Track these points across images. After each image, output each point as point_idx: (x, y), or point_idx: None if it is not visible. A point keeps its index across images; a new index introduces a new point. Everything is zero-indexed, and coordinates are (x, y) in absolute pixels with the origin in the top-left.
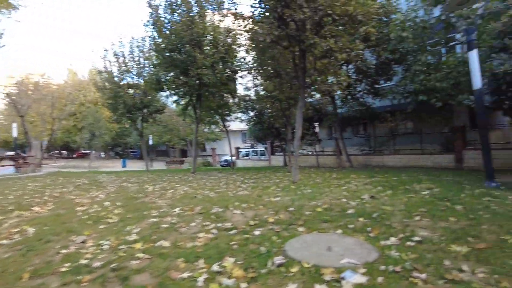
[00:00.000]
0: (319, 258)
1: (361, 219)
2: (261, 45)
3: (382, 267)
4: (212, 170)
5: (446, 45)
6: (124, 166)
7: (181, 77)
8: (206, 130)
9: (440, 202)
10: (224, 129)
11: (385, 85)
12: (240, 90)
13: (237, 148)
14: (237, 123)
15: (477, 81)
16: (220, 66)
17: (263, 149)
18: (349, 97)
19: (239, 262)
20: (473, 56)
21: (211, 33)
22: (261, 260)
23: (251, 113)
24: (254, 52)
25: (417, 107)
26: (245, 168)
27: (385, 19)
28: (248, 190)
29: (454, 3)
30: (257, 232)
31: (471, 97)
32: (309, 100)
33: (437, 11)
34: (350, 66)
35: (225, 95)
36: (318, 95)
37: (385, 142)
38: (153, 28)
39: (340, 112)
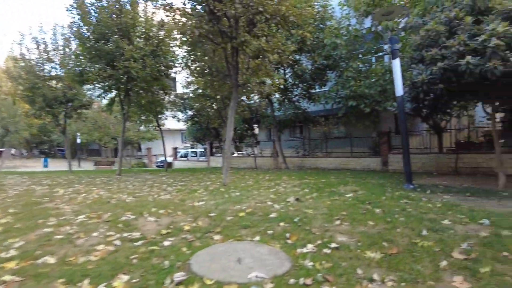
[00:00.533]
0: (225, 273)
1: (282, 223)
2: (190, 40)
3: (292, 281)
4: (143, 172)
5: (375, 54)
6: (45, 166)
7: (107, 70)
8: (141, 128)
9: (361, 205)
10: (158, 128)
11: (320, 90)
12: (180, 88)
13: (175, 149)
14: (176, 122)
15: (399, 89)
16: (151, 60)
17: (202, 150)
18: (286, 100)
19: (134, 281)
20: (396, 65)
21: (143, 24)
22: (159, 277)
23: (190, 112)
24: (185, 47)
25: (348, 112)
26: (181, 169)
27: (321, 25)
28: (172, 194)
29: (380, 14)
30: (167, 243)
31: (395, 103)
32: (247, 101)
33: (368, 22)
34: (287, 70)
35: (157, 91)
36: (256, 97)
37: (318, 145)
38: (77, 14)
39: (278, 114)
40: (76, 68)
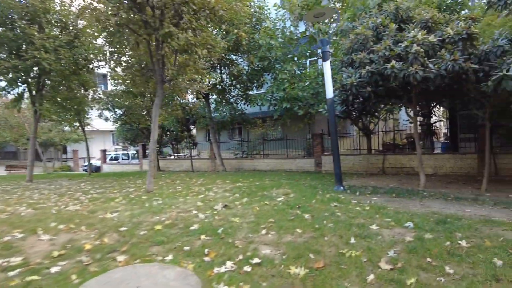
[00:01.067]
0: None
1: (203, 236)
2: (107, 29)
3: None
4: (62, 177)
5: (309, 58)
6: None
7: (11, 59)
8: (67, 129)
9: (291, 210)
10: (80, 128)
11: (257, 92)
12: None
13: (104, 151)
14: (106, 122)
15: (329, 91)
16: (67, 52)
17: (134, 153)
18: (223, 101)
19: None
20: (327, 67)
21: (57, 10)
22: None
23: (119, 112)
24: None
25: (283, 114)
26: (108, 174)
27: (258, 26)
28: (84, 203)
29: (311, 15)
30: (54, 269)
31: (326, 106)
32: (182, 100)
33: (303, 26)
34: (224, 70)
35: (78, 87)
36: (190, 96)
37: (256, 147)
38: None
39: (215, 115)
40: None
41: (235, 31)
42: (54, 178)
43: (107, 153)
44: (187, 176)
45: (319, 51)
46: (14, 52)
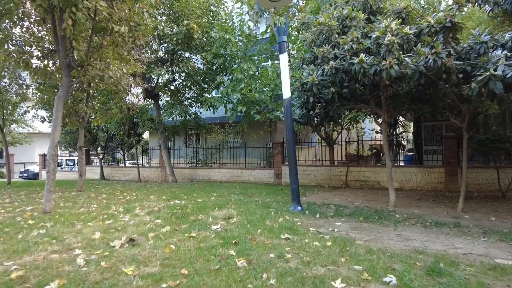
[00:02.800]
0: None
1: None
2: None
3: None
4: None
5: (270, 59)
6: None
7: None
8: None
9: (222, 250)
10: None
11: (216, 95)
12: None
13: (44, 156)
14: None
15: (286, 90)
16: None
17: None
18: (177, 104)
19: None
20: (283, 60)
21: None
22: None
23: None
24: None
25: (240, 120)
26: (37, 183)
27: (213, 21)
28: None
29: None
30: None
31: (282, 109)
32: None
33: (263, 25)
34: (177, 69)
35: None
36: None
37: (213, 155)
38: None
39: (169, 120)
40: None
41: (185, 22)
42: None
43: (46, 158)
44: (123, 187)
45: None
46: None
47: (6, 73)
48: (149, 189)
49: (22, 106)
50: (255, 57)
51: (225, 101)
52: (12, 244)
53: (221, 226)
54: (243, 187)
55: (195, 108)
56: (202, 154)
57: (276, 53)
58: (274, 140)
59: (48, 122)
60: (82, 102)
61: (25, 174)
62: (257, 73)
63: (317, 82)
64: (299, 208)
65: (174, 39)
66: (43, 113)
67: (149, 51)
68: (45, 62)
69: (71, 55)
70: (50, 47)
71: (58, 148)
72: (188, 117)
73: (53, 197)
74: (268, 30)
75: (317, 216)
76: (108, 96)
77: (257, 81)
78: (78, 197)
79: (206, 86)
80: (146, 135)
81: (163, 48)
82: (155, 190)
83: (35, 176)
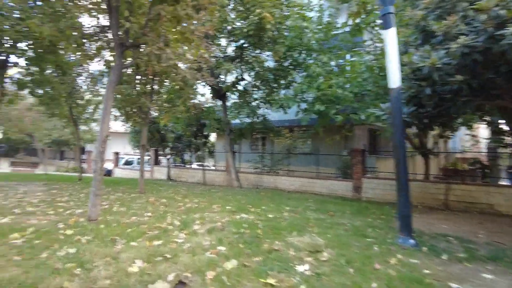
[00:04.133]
0: None
1: None
2: None
3: None
4: (49, 180)
5: (352, 51)
6: None
7: None
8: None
9: None
10: (73, 124)
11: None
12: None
13: (117, 154)
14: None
15: (394, 76)
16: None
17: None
18: (244, 104)
19: None
20: (390, 37)
21: None
22: None
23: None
24: None
25: (314, 122)
26: (111, 180)
27: (287, 11)
28: None
29: None
30: None
31: (385, 105)
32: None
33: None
34: (246, 66)
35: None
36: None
37: (280, 161)
38: None
39: (235, 122)
40: None
41: (258, 11)
42: (29, 180)
43: (120, 156)
44: (186, 191)
45: (367, 42)
46: None
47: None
48: (213, 194)
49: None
50: (335, 50)
51: (298, 100)
52: (27, 268)
53: (309, 266)
54: (317, 200)
55: (263, 109)
56: (268, 159)
57: (357, 46)
58: (353, 147)
59: (121, 121)
60: (145, 96)
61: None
62: (336, 67)
63: (439, 65)
64: (411, 241)
65: (245, 30)
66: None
67: (217, 50)
68: (98, 43)
69: (125, 29)
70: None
71: (124, 148)
72: (256, 119)
73: (97, 203)
74: (349, 22)
75: (443, 257)
76: (174, 94)
77: (337, 77)
78: (135, 201)
79: (275, 85)
80: (212, 137)
81: (232, 44)
82: (219, 197)
83: (108, 172)
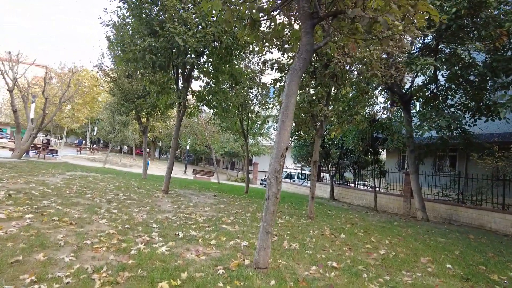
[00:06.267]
0: None
1: None
2: None
3: None
4: (221, 190)
5: None
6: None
7: (146, 38)
8: (251, 141)
9: None
10: (244, 138)
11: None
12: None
13: None
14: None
15: None
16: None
17: (310, 173)
18: (433, 113)
19: None
20: None
21: None
22: None
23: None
24: None
25: None
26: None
27: None
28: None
29: None
30: None
31: None
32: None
33: None
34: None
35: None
36: (380, 102)
37: (485, 189)
38: None
39: (419, 136)
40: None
41: None
42: (201, 191)
43: (283, 169)
44: (361, 219)
45: None
46: (153, 30)
47: (252, 83)
48: (400, 231)
49: (267, 120)
50: None
51: None
52: None
53: None
54: None
55: (468, 119)
56: (463, 184)
57: None
58: None
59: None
60: (322, 102)
61: (263, 182)
62: None
63: None
64: None
65: (453, 10)
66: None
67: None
68: (277, 18)
69: None
70: None
71: (285, 161)
72: (451, 132)
73: (268, 245)
74: None
75: None
76: (350, 102)
77: None
78: (306, 230)
79: (489, 84)
80: (382, 155)
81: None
82: (412, 237)
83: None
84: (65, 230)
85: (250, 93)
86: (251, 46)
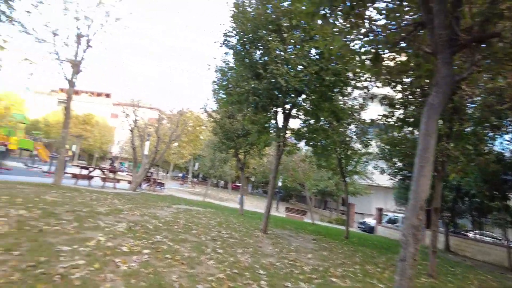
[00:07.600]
0: None
1: None
2: None
3: None
4: (317, 233)
5: None
6: (240, 203)
7: (250, 81)
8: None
9: None
10: (342, 179)
11: None
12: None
13: (380, 210)
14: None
15: None
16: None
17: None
18: None
19: None
20: None
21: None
22: None
23: (399, 163)
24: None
25: None
26: (377, 240)
27: None
28: None
29: None
30: None
31: None
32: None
33: None
34: None
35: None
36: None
37: None
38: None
39: None
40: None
41: None
42: (298, 232)
43: (383, 213)
44: (500, 285)
45: None
46: (255, 73)
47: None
48: None
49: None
50: None
51: None
52: None
53: None
54: None
55: None
56: None
57: None
58: None
59: (388, 174)
60: (443, 139)
61: (362, 226)
62: None
63: None
64: None
65: None
66: (383, 164)
67: None
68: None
69: (455, 15)
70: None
71: (386, 203)
72: None
73: None
74: None
75: None
76: (473, 139)
77: None
78: None
79: None
80: None
81: None
82: None
83: (371, 229)
84: (178, 270)
85: (348, 130)
86: (353, 82)
